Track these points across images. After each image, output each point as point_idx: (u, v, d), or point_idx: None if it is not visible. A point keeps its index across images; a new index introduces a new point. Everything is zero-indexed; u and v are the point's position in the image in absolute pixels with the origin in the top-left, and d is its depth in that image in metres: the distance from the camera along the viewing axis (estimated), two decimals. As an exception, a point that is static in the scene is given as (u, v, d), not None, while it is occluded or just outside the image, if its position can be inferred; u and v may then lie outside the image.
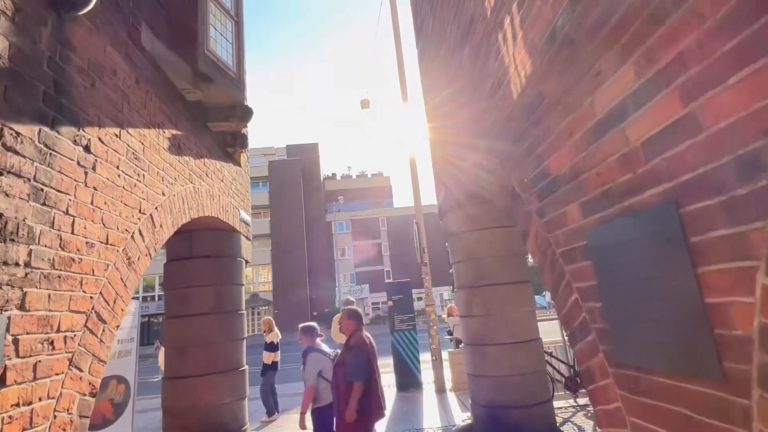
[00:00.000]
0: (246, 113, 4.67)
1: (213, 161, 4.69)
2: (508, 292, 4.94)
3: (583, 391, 5.85)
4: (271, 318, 7.31)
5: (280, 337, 7.15)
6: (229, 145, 5.17)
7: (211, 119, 4.54)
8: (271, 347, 6.89)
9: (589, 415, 5.36)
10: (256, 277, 41.40)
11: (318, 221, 43.40)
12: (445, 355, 8.49)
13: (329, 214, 43.34)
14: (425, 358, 8.75)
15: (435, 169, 6.06)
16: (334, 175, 50.25)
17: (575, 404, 5.76)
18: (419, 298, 25.86)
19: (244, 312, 5.53)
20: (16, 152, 1.95)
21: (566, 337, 6.18)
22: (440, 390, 7.87)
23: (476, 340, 5.01)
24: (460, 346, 7.71)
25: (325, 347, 4.17)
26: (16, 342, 1.89)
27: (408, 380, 8.35)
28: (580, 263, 2.14)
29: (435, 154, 5.90)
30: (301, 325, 4.20)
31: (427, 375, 8.82)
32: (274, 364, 6.90)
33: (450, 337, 8.75)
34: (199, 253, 5.15)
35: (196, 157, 4.19)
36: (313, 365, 3.80)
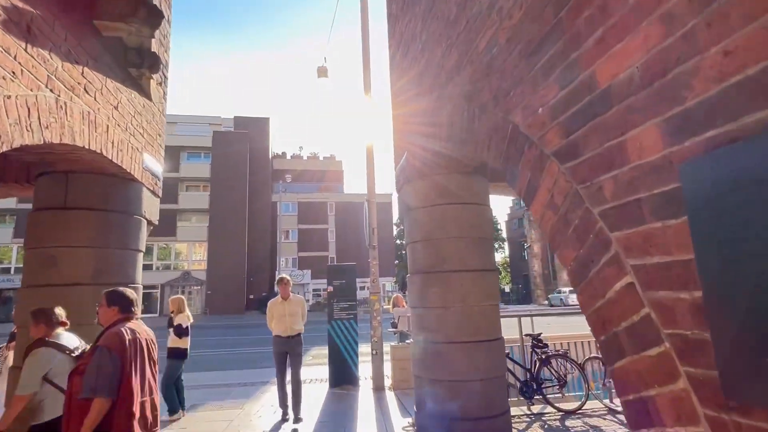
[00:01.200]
0: (153, 14, 3.43)
1: (100, 77, 3.42)
2: (473, 280, 4.12)
3: (539, 398, 5.21)
4: (182, 297, 6.05)
5: (192, 320, 5.93)
6: (132, 64, 3.89)
7: (100, 15, 3.26)
8: (180, 330, 5.67)
9: (545, 427, 4.70)
10: (191, 254, 38.66)
11: (262, 200, 41.27)
12: (386, 348, 7.65)
13: (275, 194, 41.29)
14: (365, 350, 7.88)
15: (396, 136, 5.11)
16: (284, 154, 48.00)
17: (529, 413, 5.11)
18: (362, 288, 25.05)
19: (140, 286, 4.29)
20: None
21: (527, 344, 5.52)
22: (378, 388, 7.02)
23: (429, 336, 4.15)
24: (408, 341, 6.88)
25: (69, 339, 2.84)
26: None
27: (343, 375, 7.42)
28: (650, 225, 1.27)
29: (397, 116, 4.94)
30: (32, 310, 2.94)
31: (365, 369, 7.96)
32: (182, 351, 5.69)
33: (393, 330, 7.92)
34: (77, 202, 3.84)
35: (67, 59, 2.93)
36: (37, 365, 2.62)
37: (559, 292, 32.84)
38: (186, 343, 5.79)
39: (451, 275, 4.11)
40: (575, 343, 5.79)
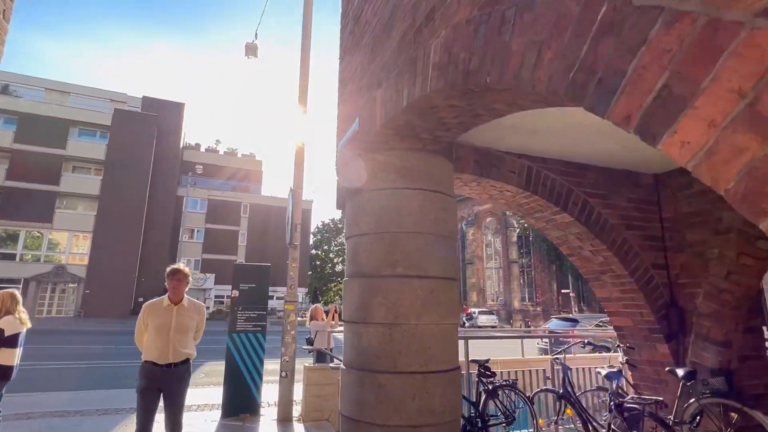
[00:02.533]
0: None
1: None
2: (433, 291, 3.13)
3: (484, 437, 4.35)
4: (14, 293, 4.24)
5: (28, 325, 4.18)
6: None
7: None
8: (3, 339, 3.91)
9: (495, 476, 3.83)
10: (69, 246, 33.26)
11: (166, 193, 37.14)
12: (299, 366, 6.37)
13: (182, 187, 37.44)
14: (271, 368, 6.52)
15: (342, 97, 4.04)
16: (197, 145, 44.03)
17: (473, 457, 4.21)
18: (271, 297, 23.01)
19: None
20: None
21: (473, 371, 4.66)
22: (285, 418, 5.72)
23: (369, 363, 3.06)
24: (335, 364, 5.68)
25: None
26: None
27: (241, 401, 5.99)
28: None
29: (348, 66, 3.88)
30: None
31: (270, 393, 6.57)
32: (2, 369, 3.92)
33: (309, 348, 6.65)
34: None
35: None
36: None
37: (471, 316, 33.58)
38: (10, 358, 4.02)
39: (405, 282, 3.09)
40: (524, 371, 5.09)
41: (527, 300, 39.49)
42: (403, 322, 3.04)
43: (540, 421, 4.52)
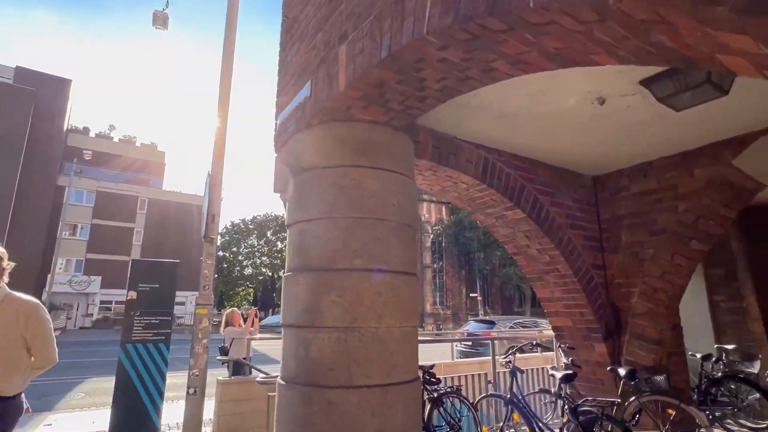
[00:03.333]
0: None
1: None
2: (395, 288, 2.66)
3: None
4: None
5: None
6: None
7: None
8: None
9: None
10: None
11: (44, 181, 32.02)
12: (212, 380, 5.47)
13: (64, 176, 32.54)
14: (175, 382, 5.52)
15: (287, 53, 3.42)
16: (86, 129, 38.69)
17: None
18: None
19: None
20: None
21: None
22: (191, 444, 4.81)
23: (318, 376, 2.48)
24: (259, 378, 4.89)
25: None
26: None
27: (135, 425, 4.96)
28: None
29: (302, 15, 3.28)
30: None
31: (172, 414, 5.57)
32: None
33: (223, 358, 5.75)
34: None
35: None
36: None
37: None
38: None
39: (365, 277, 2.58)
40: (467, 376, 4.82)
41: (438, 304, 40.87)
42: (362, 326, 2.52)
43: (483, 428, 4.28)
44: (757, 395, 5.02)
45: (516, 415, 4.10)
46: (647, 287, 4.37)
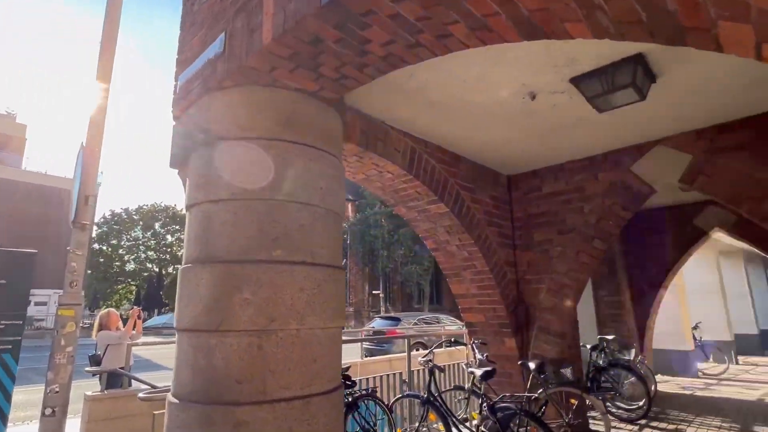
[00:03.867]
0: None
1: None
2: (320, 284, 2.30)
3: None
4: None
5: None
6: None
7: None
8: None
9: None
10: None
11: None
12: (79, 396, 4.49)
13: None
14: (25, 399, 4.47)
15: (191, 13, 2.84)
16: None
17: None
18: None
19: None
20: None
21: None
22: (46, 477, 3.88)
23: (223, 390, 2.02)
24: (142, 394, 4.08)
25: None
26: None
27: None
28: None
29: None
30: None
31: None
32: None
33: (95, 369, 4.77)
34: None
35: None
36: None
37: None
38: None
39: (286, 271, 2.18)
40: (382, 376, 4.60)
41: (341, 301, 40.67)
42: (281, 328, 2.12)
43: (398, 430, 4.10)
44: (633, 379, 5.61)
45: (432, 415, 3.99)
46: (554, 283, 4.59)
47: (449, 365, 5.05)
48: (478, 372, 3.68)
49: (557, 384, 4.07)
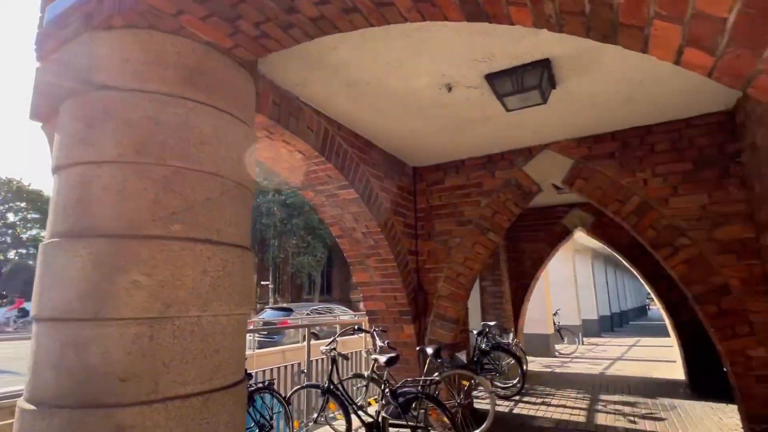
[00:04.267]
0: None
1: None
2: (226, 265, 2.04)
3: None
4: None
5: None
6: None
7: None
8: None
9: None
10: None
11: None
12: None
13: None
14: None
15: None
16: None
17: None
18: None
19: None
20: None
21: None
22: None
23: (101, 391, 1.67)
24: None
25: None
26: None
27: None
28: None
29: None
30: None
31: None
32: None
33: None
34: None
35: None
36: None
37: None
38: None
39: (187, 249, 1.89)
40: (279, 368, 4.35)
41: (225, 292, 38.25)
42: (178, 315, 1.83)
43: (296, 423, 3.94)
44: (511, 361, 6.21)
45: (332, 404, 3.91)
46: (452, 272, 4.83)
47: (348, 354, 5.02)
48: (383, 359, 3.69)
49: (452, 367, 4.30)
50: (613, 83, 3.29)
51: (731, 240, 3.72)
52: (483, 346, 6.25)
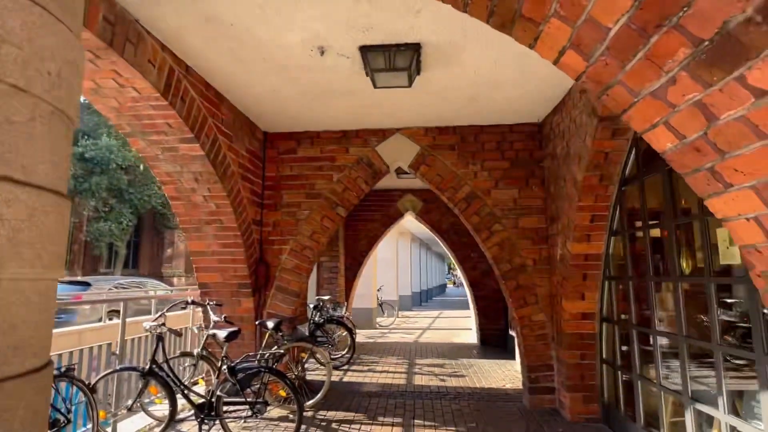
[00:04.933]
0: None
1: None
2: (36, 213, 1.53)
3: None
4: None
5: None
6: None
7: None
8: None
9: None
10: None
11: None
12: None
13: None
14: None
15: None
16: None
17: None
18: None
19: None
20: None
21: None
22: None
23: None
24: None
25: None
26: None
27: None
28: None
29: None
30: None
31: None
32: None
33: None
34: None
35: None
36: None
37: None
38: None
39: (-26, 186, 1.34)
40: (83, 350, 3.53)
41: None
42: (-48, 278, 1.29)
43: (101, 413, 3.29)
44: (344, 333, 6.48)
45: (153, 388, 3.41)
46: (298, 245, 4.72)
47: (181, 329, 4.44)
48: (222, 333, 3.38)
49: (294, 340, 4.23)
50: (465, 80, 3.65)
51: (530, 228, 4.60)
52: (317, 319, 6.35)
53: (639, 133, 1.52)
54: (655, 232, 3.30)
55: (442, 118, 4.56)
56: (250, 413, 3.23)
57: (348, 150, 4.84)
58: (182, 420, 3.88)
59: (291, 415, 4.10)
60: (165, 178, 3.84)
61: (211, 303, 4.12)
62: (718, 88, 1.13)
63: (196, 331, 3.95)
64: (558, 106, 4.19)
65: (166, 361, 3.42)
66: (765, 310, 2.17)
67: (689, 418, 2.71)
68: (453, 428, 3.82)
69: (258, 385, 3.34)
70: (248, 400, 3.23)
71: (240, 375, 3.19)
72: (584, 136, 3.53)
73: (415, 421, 4.01)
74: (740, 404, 2.46)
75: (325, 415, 4.15)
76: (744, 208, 1.33)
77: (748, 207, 1.31)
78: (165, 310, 3.58)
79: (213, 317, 3.90)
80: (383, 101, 4.07)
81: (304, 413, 3.82)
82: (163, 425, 3.37)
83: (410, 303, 17.86)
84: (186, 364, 3.92)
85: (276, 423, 3.90)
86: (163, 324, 3.38)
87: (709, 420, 2.70)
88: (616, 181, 3.57)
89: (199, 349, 3.91)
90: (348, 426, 3.87)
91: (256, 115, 4.48)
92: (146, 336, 4.12)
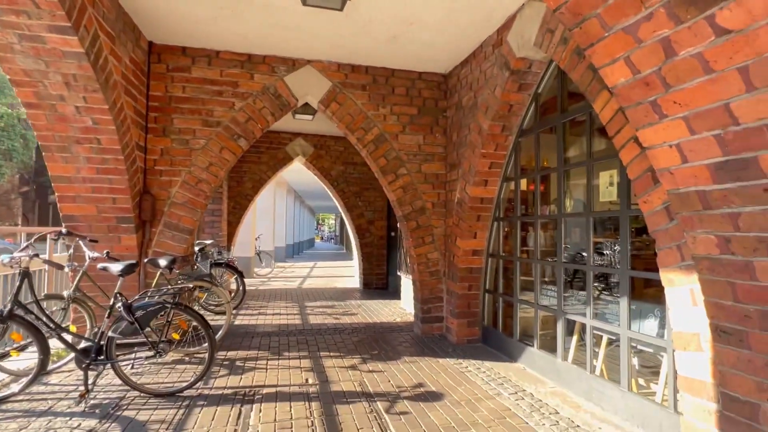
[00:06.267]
0: None
1: None
2: None
3: None
4: None
5: None
6: None
7: None
8: None
9: None
10: None
11: None
12: None
13: None
14: None
15: None
16: None
17: None
18: None
19: None
20: None
21: None
22: None
23: None
24: None
25: None
26: None
27: None
28: None
29: None
30: None
31: None
32: None
33: None
34: None
35: None
36: None
37: None
38: None
39: None
40: None
41: None
42: None
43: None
44: (236, 277, 6.13)
45: (16, 334, 2.80)
46: (192, 177, 4.23)
47: (62, 265, 3.62)
48: (118, 267, 2.89)
49: (193, 278, 3.84)
50: (391, 14, 3.58)
51: (431, 174, 4.90)
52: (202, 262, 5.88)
53: (597, 67, 1.74)
54: (543, 180, 3.85)
55: (356, 54, 4.43)
56: (151, 354, 2.90)
57: (253, 77, 4.40)
58: (50, 371, 3.30)
59: (187, 358, 3.82)
60: (19, 76, 2.99)
61: (86, 239, 3.48)
62: (688, 25, 1.36)
63: (67, 270, 3.29)
64: (467, 58, 4.43)
65: (36, 301, 2.80)
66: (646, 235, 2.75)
67: (560, 327, 3.34)
68: (358, 356, 4.03)
69: (162, 323, 3.00)
70: (150, 339, 2.88)
71: (139, 313, 2.81)
72: (494, 87, 3.84)
73: (321, 353, 4.11)
74: (602, 313, 3.13)
75: (226, 355, 3.96)
76: (671, 135, 1.65)
77: (675, 135, 1.63)
78: (32, 240, 2.89)
79: (89, 253, 3.31)
80: (303, 24, 3.77)
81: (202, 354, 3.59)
82: (28, 379, 2.82)
83: (284, 255, 17.62)
84: (55, 308, 3.28)
85: (172, 366, 3.59)
86: (36, 255, 2.74)
87: (570, 328, 3.38)
88: (515, 132, 4.01)
89: (71, 291, 3.31)
90: (254, 362, 3.77)
91: (141, 17, 3.73)
92: (7, 275, 3.29)
